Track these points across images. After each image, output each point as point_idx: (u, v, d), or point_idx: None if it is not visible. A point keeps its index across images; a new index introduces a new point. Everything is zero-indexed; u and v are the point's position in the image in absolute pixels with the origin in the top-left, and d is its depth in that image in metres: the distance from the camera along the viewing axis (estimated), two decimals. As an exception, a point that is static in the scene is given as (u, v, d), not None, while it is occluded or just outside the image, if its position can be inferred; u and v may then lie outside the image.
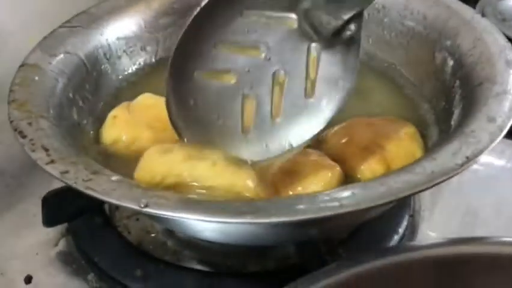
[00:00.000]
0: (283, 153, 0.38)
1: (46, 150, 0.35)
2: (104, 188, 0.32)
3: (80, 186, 0.32)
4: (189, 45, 0.35)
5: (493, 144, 0.33)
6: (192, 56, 0.36)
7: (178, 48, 0.35)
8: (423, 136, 0.44)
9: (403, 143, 0.42)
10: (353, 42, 0.36)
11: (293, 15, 0.36)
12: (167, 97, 0.36)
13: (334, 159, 0.41)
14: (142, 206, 0.30)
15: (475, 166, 0.51)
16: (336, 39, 0.36)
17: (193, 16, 0.34)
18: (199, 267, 0.45)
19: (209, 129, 0.38)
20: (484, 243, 0.32)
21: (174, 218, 0.30)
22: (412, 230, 0.48)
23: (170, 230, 0.47)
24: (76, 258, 0.47)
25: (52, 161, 0.34)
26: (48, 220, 0.46)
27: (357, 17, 0.35)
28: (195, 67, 0.37)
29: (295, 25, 0.37)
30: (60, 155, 0.35)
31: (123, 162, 0.42)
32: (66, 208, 0.47)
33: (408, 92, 0.49)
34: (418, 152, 0.41)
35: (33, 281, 0.45)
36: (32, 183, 0.52)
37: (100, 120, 0.46)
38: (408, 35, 0.51)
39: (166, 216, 0.30)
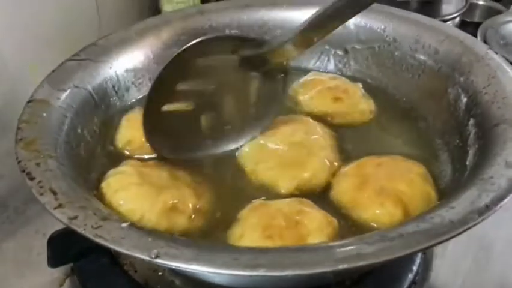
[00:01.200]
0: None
1: (54, 193, 0.34)
2: (114, 236, 0.31)
3: (90, 234, 0.31)
4: (161, 86, 0.43)
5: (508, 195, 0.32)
6: (162, 93, 0.44)
7: (152, 88, 0.43)
8: (436, 174, 0.43)
9: (417, 184, 0.41)
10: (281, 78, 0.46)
11: (235, 57, 0.45)
12: (143, 125, 0.43)
13: (343, 206, 0.41)
14: (153, 256, 0.29)
15: None
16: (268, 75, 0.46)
17: (164, 66, 0.43)
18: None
19: (179, 142, 0.45)
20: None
21: (187, 269, 0.29)
22: (426, 266, 0.47)
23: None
24: (81, 300, 0.46)
25: (60, 205, 0.33)
26: (54, 261, 0.46)
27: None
28: (164, 101, 0.44)
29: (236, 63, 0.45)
30: (69, 199, 0.34)
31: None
32: (72, 248, 0.46)
33: (421, 126, 0.49)
34: (432, 193, 0.40)
35: (39, 324, 0.44)
36: (36, 218, 0.51)
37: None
38: (420, 69, 0.50)
39: (178, 268, 0.29)
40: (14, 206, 0.53)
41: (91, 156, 0.45)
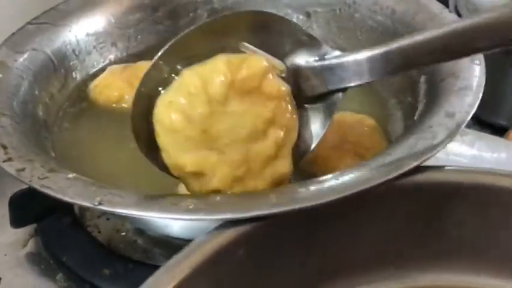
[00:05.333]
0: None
1: (4, 148, 0.35)
2: (60, 185, 0.32)
3: (36, 184, 0.32)
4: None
5: (449, 140, 0.33)
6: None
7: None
8: (389, 131, 0.44)
9: (371, 135, 0.42)
10: (331, 106, 0.36)
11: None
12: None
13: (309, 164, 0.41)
14: (96, 204, 0.30)
15: (447, 156, 0.53)
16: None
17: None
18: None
19: None
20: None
21: (127, 215, 0.30)
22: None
23: (141, 229, 0.47)
24: (44, 259, 0.47)
25: (9, 159, 0.34)
26: (16, 221, 0.46)
27: (343, 90, 0.35)
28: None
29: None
30: (19, 153, 0.35)
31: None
32: (34, 208, 0.46)
33: (377, 87, 0.49)
34: (384, 143, 0.42)
35: (1, 282, 0.45)
36: (1, 185, 0.51)
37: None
38: (378, 30, 0.51)
39: (118, 214, 0.30)
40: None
41: (49, 117, 0.45)
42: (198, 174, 0.32)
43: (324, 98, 0.35)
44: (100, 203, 0.30)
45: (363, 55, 0.33)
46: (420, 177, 0.32)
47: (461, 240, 0.34)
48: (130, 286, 0.42)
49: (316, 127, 0.36)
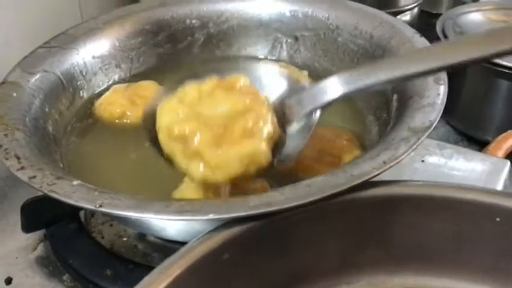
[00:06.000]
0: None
1: (18, 158, 0.39)
2: (66, 191, 0.36)
3: (45, 190, 0.36)
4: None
5: (409, 151, 0.37)
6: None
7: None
8: (365, 145, 0.48)
9: (349, 149, 0.47)
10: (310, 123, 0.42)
11: None
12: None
13: (284, 173, 0.46)
14: (97, 206, 0.34)
15: (426, 167, 0.56)
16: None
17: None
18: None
19: None
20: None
21: (125, 216, 0.34)
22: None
23: (142, 235, 0.52)
24: (52, 262, 0.51)
25: (22, 168, 0.38)
26: (27, 226, 0.51)
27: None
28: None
29: None
30: (30, 163, 0.39)
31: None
32: (43, 215, 0.51)
33: (357, 105, 0.54)
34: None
35: (13, 282, 0.49)
36: (13, 193, 0.56)
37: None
38: (359, 52, 0.55)
39: (117, 215, 0.35)
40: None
41: (57, 132, 0.50)
42: (184, 138, 0.39)
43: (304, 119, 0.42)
44: (100, 205, 0.34)
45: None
46: (377, 191, 0.36)
47: (418, 247, 0.38)
48: (130, 285, 0.47)
49: (298, 139, 0.42)
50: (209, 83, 0.42)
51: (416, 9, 0.87)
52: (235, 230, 0.34)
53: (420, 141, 0.38)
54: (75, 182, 0.37)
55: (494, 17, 0.81)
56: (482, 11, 0.82)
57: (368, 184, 0.36)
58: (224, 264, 0.34)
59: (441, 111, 0.41)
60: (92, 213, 0.54)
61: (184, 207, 0.34)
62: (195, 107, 0.41)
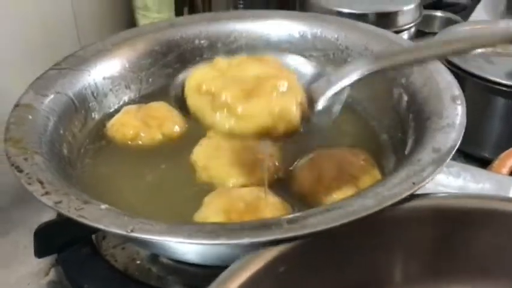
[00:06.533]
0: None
1: (41, 183, 0.39)
2: (95, 216, 0.36)
3: (73, 215, 0.36)
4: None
5: (437, 172, 0.38)
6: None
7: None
8: (382, 164, 0.48)
9: (366, 169, 0.47)
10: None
11: None
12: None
13: (305, 194, 0.46)
14: (129, 231, 0.34)
15: (435, 186, 0.57)
16: None
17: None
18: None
19: None
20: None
21: (158, 241, 0.34)
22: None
23: (154, 257, 0.51)
24: (65, 286, 0.50)
25: (47, 193, 0.38)
26: (40, 251, 0.50)
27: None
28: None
29: None
30: (54, 187, 0.39)
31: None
32: (56, 239, 0.50)
33: (371, 124, 0.54)
34: (378, 176, 0.46)
35: (26, 308, 0.48)
36: (21, 217, 0.55)
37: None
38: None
39: (150, 240, 0.34)
40: (1, 206, 0.57)
41: (72, 154, 0.49)
42: (212, 94, 0.39)
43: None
44: (132, 230, 0.34)
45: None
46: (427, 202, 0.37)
47: (468, 260, 0.38)
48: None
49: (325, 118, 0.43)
50: (238, 57, 0.43)
51: (413, 29, 0.88)
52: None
53: (446, 161, 0.38)
54: (103, 206, 0.37)
55: (488, 35, 0.83)
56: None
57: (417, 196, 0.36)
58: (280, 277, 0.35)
59: (463, 130, 0.42)
60: (103, 236, 0.53)
61: (218, 232, 0.34)
62: (225, 72, 0.41)
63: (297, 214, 0.35)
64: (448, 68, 0.52)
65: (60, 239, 0.50)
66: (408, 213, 0.37)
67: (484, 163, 0.68)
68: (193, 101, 0.41)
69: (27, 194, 0.38)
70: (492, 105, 0.75)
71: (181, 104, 0.42)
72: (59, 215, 0.49)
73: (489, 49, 0.80)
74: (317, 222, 0.34)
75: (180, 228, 0.34)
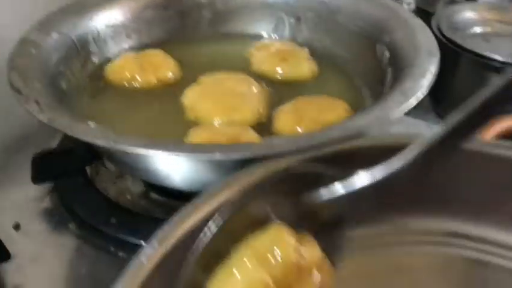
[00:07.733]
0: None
1: (38, 104, 0.42)
2: (85, 130, 0.39)
3: (65, 129, 0.39)
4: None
5: (401, 111, 0.40)
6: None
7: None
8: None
9: (343, 115, 0.50)
10: None
11: None
12: None
13: (285, 133, 0.49)
14: (112, 142, 0.37)
15: None
16: None
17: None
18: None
19: None
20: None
21: (136, 153, 0.37)
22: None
23: (144, 193, 0.54)
24: (59, 212, 0.53)
25: (42, 110, 0.41)
26: (36, 178, 0.53)
27: None
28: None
29: None
30: (49, 108, 0.42)
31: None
32: (52, 169, 0.53)
33: (355, 81, 0.57)
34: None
35: (21, 228, 0.51)
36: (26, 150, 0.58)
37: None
38: (357, 32, 0.59)
39: (131, 152, 0.37)
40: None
41: (70, 90, 0.53)
42: None
43: None
44: (115, 142, 0.37)
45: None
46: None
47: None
48: (133, 233, 0.49)
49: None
50: None
51: (412, 5, 0.90)
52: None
53: (410, 102, 0.41)
54: (91, 124, 0.40)
55: (488, 16, 0.85)
56: (477, 10, 0.86)
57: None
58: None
59: (432, 80, 0.45)
60: (97, 171, 0.57)
61: (195, 147, 0.37)
62: None
63: (268, 139, 0.39)
64: (446, 44, 0.53)
65: (57, 168, 0.53)
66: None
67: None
68: None
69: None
70: (486, 81, 0.77)
71: None
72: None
73: (488, 29, 0.83)
74: (285, 144, 0.37)
75: (160, 143, 0.37)
